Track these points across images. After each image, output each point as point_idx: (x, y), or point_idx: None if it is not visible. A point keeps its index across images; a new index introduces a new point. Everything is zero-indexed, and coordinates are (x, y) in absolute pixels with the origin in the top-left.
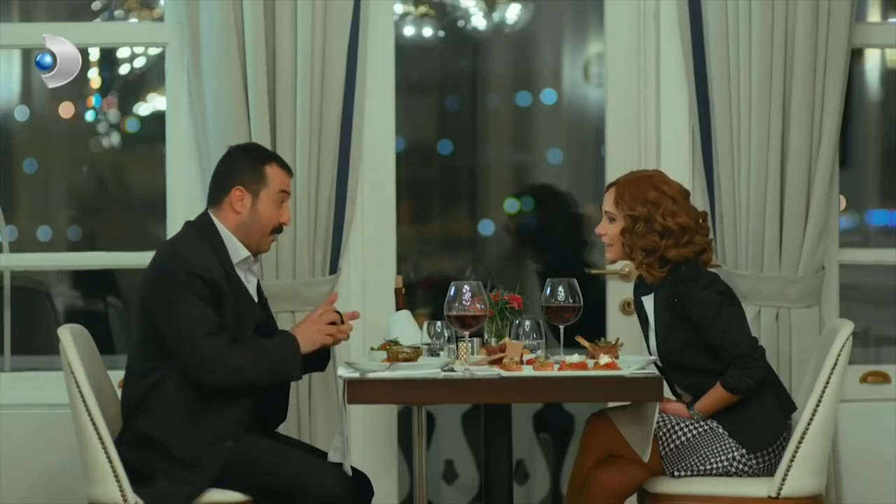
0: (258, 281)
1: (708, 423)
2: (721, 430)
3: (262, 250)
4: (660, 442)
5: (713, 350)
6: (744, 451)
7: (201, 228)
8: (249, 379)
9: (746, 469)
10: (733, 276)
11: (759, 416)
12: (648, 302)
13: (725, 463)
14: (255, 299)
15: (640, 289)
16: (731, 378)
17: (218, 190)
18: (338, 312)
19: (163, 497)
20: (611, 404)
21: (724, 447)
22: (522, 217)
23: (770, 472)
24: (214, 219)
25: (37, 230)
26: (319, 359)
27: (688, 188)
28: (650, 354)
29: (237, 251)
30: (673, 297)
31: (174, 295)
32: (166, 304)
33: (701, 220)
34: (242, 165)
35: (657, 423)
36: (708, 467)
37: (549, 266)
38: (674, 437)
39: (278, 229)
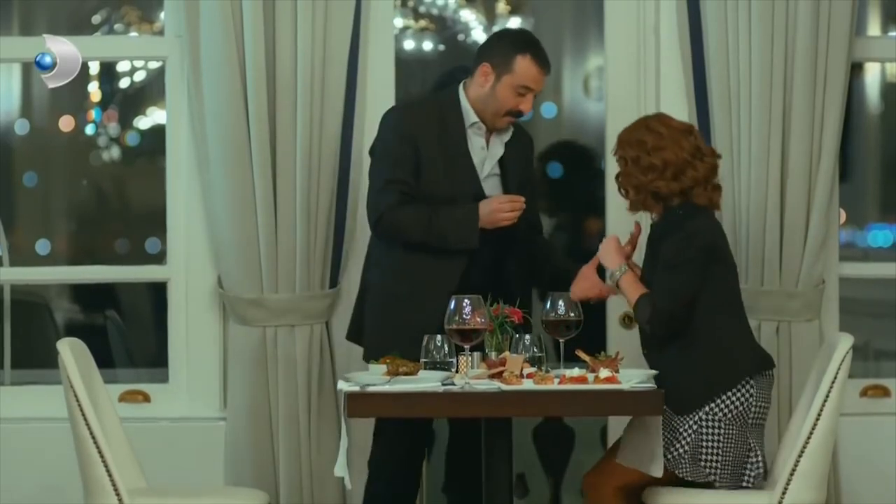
0: (507, 158)
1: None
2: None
3: (497, 127)
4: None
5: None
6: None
7: (444, 91)
8: (417, 237)
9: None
10: None
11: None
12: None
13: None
14: (481, 165)
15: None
16: (646, 301)
17: (475, 59)
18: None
19: None
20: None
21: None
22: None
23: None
24: (464, 84)
25: (72, 243)
26: None
27: (691, 124)
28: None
29: (468, 115)
30: (658, 232)
31: (377, 149)
32: (372, 155)
33: (705, 156)
34: (498, 46)
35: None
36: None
37: None
38: (676, 444)
39: (516, 114)
